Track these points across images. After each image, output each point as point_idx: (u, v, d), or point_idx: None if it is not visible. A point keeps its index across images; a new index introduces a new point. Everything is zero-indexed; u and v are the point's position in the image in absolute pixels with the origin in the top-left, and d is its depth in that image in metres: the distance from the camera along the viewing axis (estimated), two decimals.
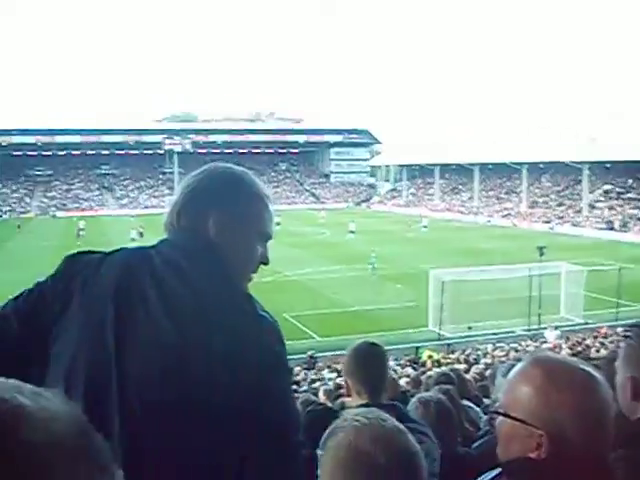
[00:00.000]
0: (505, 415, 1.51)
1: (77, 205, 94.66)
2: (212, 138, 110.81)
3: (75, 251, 1.72)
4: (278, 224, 65.05)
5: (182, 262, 1.57)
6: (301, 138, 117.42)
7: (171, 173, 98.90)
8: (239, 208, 1.69)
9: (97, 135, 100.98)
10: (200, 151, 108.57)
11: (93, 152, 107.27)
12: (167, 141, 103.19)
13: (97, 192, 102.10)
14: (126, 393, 1.44)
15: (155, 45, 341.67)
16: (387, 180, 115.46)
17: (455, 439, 3.48)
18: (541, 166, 78.34)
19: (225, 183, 1.71)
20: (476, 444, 3.67)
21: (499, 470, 1.52)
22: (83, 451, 0.57)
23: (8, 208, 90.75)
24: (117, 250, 1.69)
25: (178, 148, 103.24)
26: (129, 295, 1.53)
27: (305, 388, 12.24)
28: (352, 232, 55.19)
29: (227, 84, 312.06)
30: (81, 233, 52.89)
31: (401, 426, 1.27)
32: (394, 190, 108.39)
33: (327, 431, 1.37)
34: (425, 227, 61.46)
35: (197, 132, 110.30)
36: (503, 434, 1.54)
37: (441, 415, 3.34)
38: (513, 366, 1.64)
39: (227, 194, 1.69)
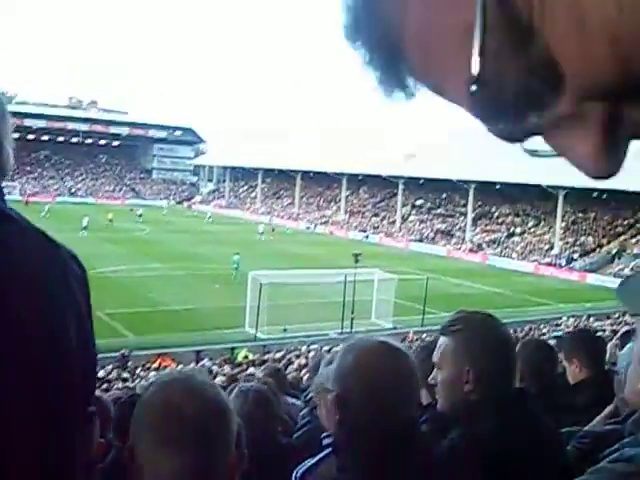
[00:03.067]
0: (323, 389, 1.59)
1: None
2: (27, 123, 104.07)
3: None
4: (110, 220, 62.88)
5: None
6: (124, 130, 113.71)
7: None
8: None
9: None
10: (14, 136, 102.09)
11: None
12: None
13: None
14: None
15: None
16: (210, 180, 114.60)
17: (276, 428, 3.53)
18: (360, 178, 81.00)
19: None
20: (297, 434, 3.75)
21: (322, 454, 1.59)
22: None
23: None
24: None
25: None
26: None
27: (119, 386, 11.93)
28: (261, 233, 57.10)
29: (45, 66, 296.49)
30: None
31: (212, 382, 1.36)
32: (216, 191, 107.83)
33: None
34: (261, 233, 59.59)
35: (16, 115, 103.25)
36: None
37: (260, 403, 3.36)
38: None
39: None
